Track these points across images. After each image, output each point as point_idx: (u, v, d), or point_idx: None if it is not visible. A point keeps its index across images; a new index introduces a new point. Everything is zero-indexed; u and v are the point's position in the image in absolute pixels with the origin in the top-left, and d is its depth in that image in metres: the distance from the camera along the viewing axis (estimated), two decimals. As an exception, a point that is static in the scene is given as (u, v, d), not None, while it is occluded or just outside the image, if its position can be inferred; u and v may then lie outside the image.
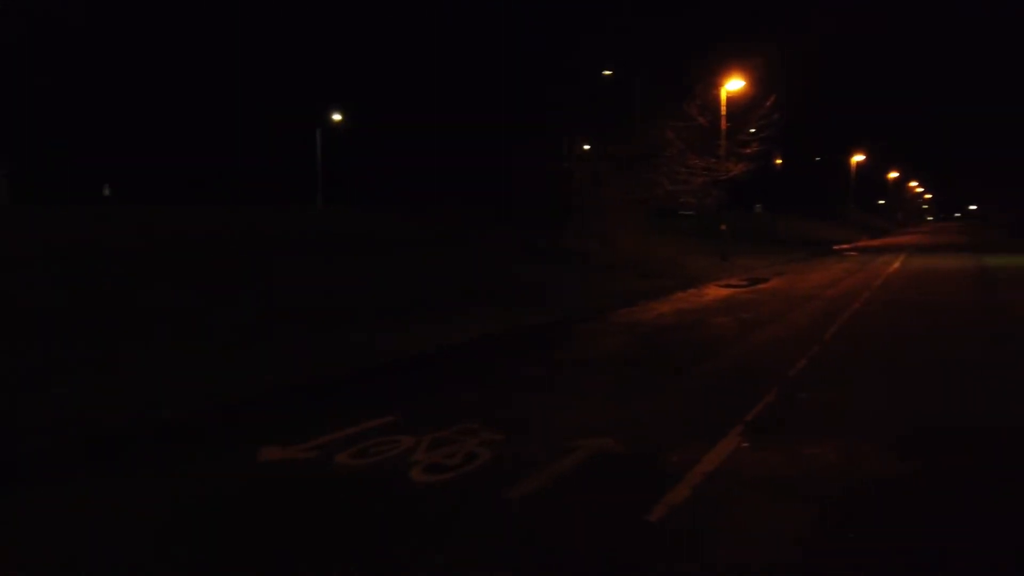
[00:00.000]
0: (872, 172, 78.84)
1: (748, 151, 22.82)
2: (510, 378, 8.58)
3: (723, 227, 25.01)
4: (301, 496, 4.87)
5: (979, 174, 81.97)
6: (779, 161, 39.28)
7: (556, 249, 20.32)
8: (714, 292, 17.57)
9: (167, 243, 15.00)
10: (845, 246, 42.48)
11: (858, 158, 56.88)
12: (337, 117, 40.15)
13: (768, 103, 22.31)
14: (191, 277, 12.07)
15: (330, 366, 8.39)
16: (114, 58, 30.28)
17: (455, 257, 17.52)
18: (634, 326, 12.29)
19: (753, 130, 23.25)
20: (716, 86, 23.37)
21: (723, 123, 23.55)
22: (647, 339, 11.00)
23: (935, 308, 13.53)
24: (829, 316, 12.57)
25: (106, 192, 33.82)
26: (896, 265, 24.40)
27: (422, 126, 30.49)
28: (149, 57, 33.47)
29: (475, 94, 23.11)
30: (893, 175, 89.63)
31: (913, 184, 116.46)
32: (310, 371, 8.08)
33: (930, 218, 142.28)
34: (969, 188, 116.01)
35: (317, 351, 8.94)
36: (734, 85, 23.54)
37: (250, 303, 10.99)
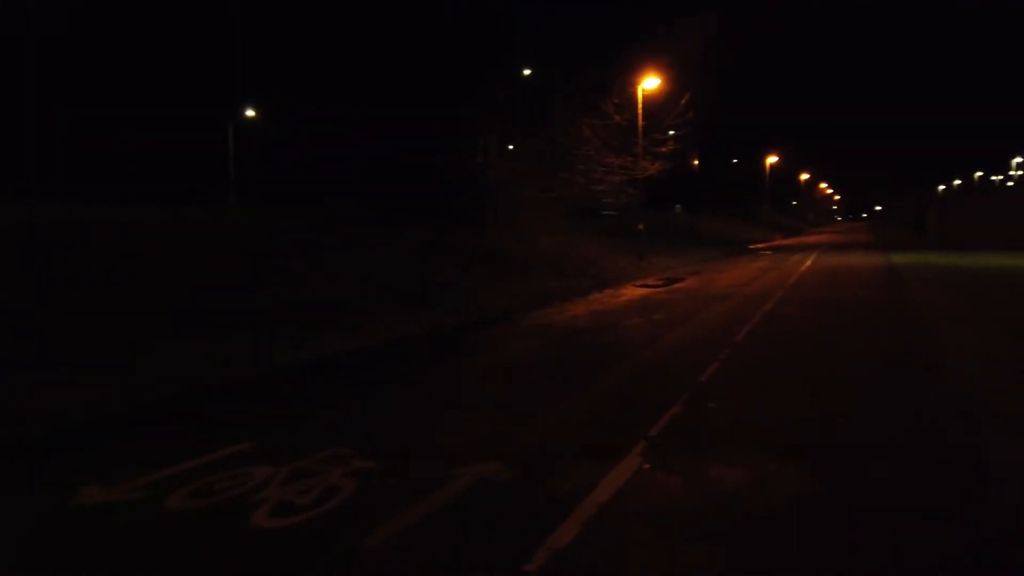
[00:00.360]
0: (785, 173, 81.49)
1: (664, 150, 22.68)
2: (402, 390, 7.81)
3: (640, 227, 24.83)
4: (110, 552, 3.97)
5: (882, 176, 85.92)
6: (696, 162, 39.67)
7: (472, 249, 19.58)
8: (630, 292, 17.21)
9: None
10: (761, 245, 43.42)
11: (772, 159, 58.48)
12: (250, 112, 38.22)
13: (683, 101, 22.19)
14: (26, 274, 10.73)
15: (193, 380, 7.38)
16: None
17: (363, 258, 16.55)
18: (546, 328, 11.69)
19: (672, 132, 23.12)
20: (632, 84, 23.15)
21: (640, 122, 23.34)
22: (557, 343, 10.40)
23: (846, 306, 13.47)
24: (742, 316, 12.28)
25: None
26: (808, 263, 24.76)
27: (335, 123, 29.24)
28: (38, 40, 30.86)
29: (389, 89, 22.14)
30: (805, 176, 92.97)
31: (823, 186, 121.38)
32: (162, 387, 7.03)
33: (839, 218, 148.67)
34: (874, 189, 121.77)
35: (187, 362, 7.90)
36: (650, 84, 23.37)
37: (127, 307, 9.79)
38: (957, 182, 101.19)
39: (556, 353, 9.73)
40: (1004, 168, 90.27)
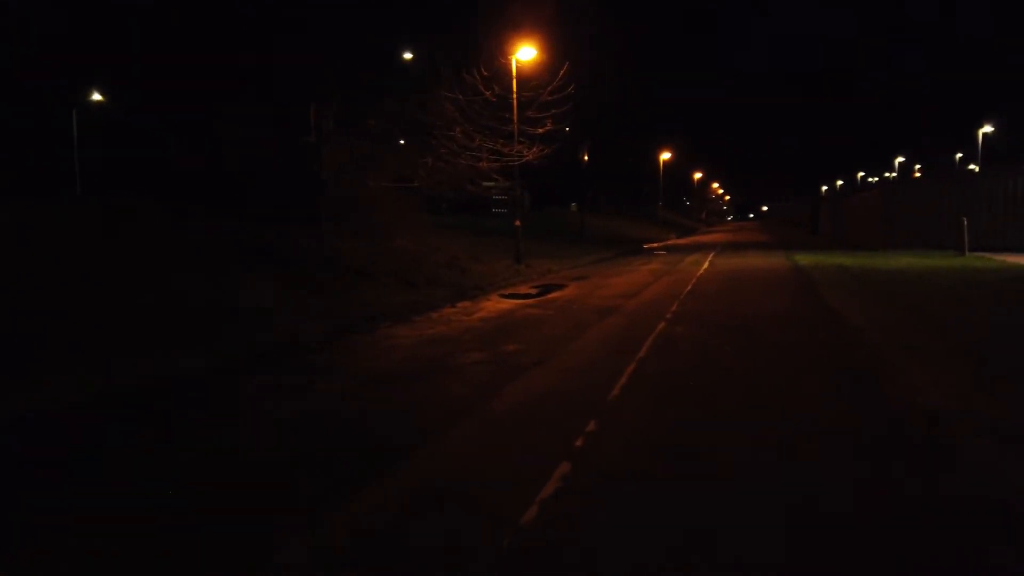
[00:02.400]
0: (678, 172, 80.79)
1: (541, 130, 19.10)
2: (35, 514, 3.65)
3: (517, 224, 21.21)
4: None
5: (770, 177, 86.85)
6: (586, 157, 36.69)
7: (296, 253, 15.29)
8: (492, 306, 13.44)
9: None
10: (655, 245, 41.02)
11: (665, 156, 56.73)
12: (97, 96, 32.92)
13: (562, 72, 18.67)
14: None
15: None
16: None
17: (121, 268, 11.97)
18: (330, 376, 7.68)
19: (550, 110, 19.54)
20: (504, 54, 19.46)
21: (515, 98, 19.69)
22: (328, 410, 6.41)
23: (760, 328, 10.16)
24: (625, 347, 8.70)
25: None
26: (706, 265, 21.86)
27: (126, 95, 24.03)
28: None
29: (193, 54, 17.42)
30: (698, 176, 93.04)
31: (715, 185, 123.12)
32: None
33: (730, 218, 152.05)
34: (762, 190, 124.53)
35: None
36: (525, 54, 19.75)
37: None
38: (840, 183, 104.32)
39: (316, 435, 5.75)
40: (888, 167, 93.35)
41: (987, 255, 22.39)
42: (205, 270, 12.29)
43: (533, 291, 16.13)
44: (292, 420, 6.03)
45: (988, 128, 50.02)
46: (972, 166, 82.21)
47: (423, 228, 24.10)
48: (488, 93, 19.04)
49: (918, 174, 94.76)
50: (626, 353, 8.18)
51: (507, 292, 15.90)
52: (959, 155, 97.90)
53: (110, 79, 30.84)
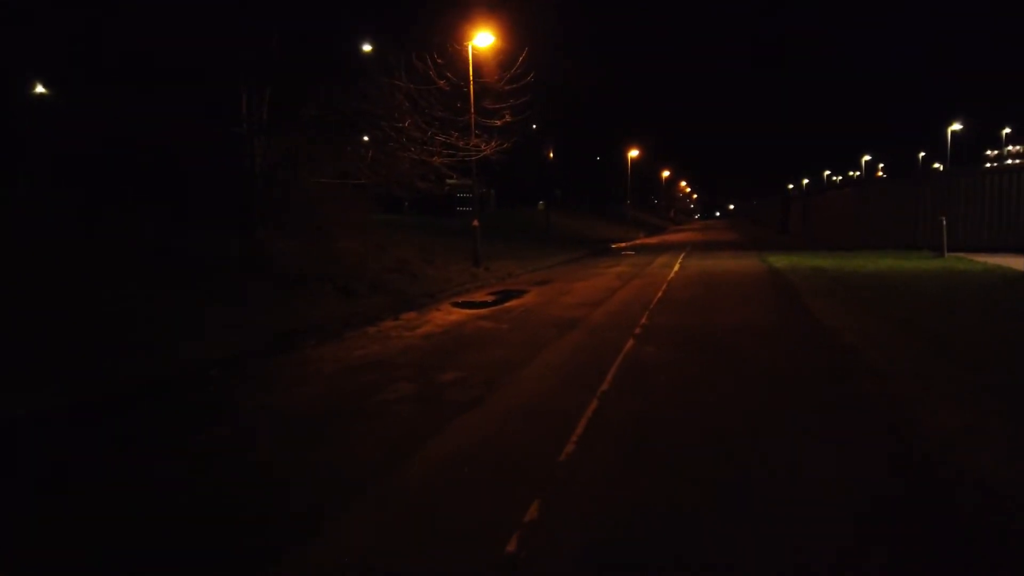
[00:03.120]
0: (646, 170, 79.96)
1: (499, 123, 17.60)
2: None
3: (475, 224, 19.70)
4: None
5: (736, 176, 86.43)
6: (551, 154, 35.31)
7: (223, 259, 13.62)
8: (441, 318, 11.93)
9: None
10: (623, 244, 39.82)
11: (633, 153, 55.62)
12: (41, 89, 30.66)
13: (521, 58, 17.17)
14: None
15: None
16: None
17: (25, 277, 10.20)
18: (212, 422, 6.10)
19: (511, 103, 18.05)
20: (459, 40, 17.93)
21: (471, 88, 18.18)
22: (177, 482, 4.85)
23: (741, 346, 8.80)
24: (584, 378, 7.26)
25: None
26: (677, 268, 20.58)
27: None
28: None
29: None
30: (666, 174, 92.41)
31: (683, 184, 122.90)
32: None
33: (697, 216, 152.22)
34: (728, 188, 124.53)
35: None
36: (483, 40, 18.25)
37: None
38: (806, 181, 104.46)
39: (126, 529, 4.19)
40: (854, 166, 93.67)
41: (965, 256, 21.48)
42: (105, 280, 10.58)
43: (489, 298, 14.65)
44: (123, 496, 4.46)
45: (957, 126, 49.77)
46: (936, 164, 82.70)
47: (373, 229, 22.48)
48: (442, 82, 17.47)
49: (881, 173, 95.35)
50: (586, 387, 6.72)
51: (460, 300, 14.40)
52: (922, 154, 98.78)
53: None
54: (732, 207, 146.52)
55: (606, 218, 58.79)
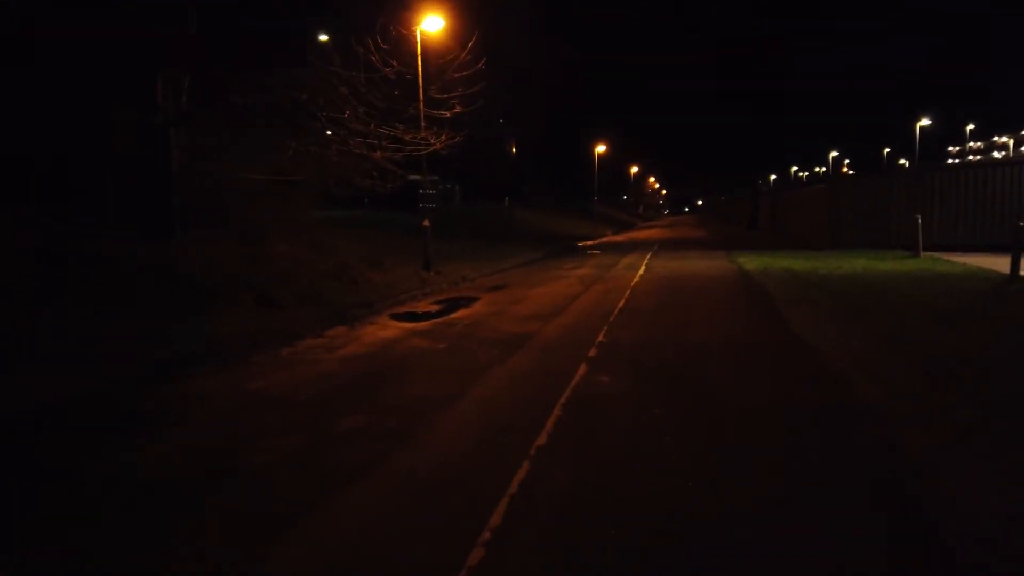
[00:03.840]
0: (615, 166, 79.00)
1: (449, 114, 16.12)
2: None
3: (425, 224, 18.23)
4: None
5: (703, 171, 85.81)
6: (514, 148, 33.93)
7: (131, 265, 11.98)
8: (372, 334, 10.47)
9: None
10: (590, 243, 38.61)
11: (600, 148, 54.44)
12: None
13: (470, 43, 15.68)
14: None
15: None
16: None
17: None
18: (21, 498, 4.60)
19: (460, 92, 16.59)
20: (405, 24, 16.42)
21: (420, 76, 16.68)
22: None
23: (713, 377, 7.50)
24: (519, 421, 5.88)
25: None
26: (643, 270, 19.32)
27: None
28: None
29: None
30: (634, 170, 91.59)
31: (652, 180, 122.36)
32: None
33: (666, 212, 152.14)
34: (696, 184, 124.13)
35: None
36: (432, 25, 16.76)
37: None
38: (773, 177, 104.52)
39: None
40: (821, 162, 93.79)
41: (940, 255, 20.59)
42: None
43: (435, 308, 13.21)
44: None
45: (926, 121, 49.40)
46: (902, 161, 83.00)
47: (319, 229, 20.90)
48: (388, 70, 15.94)
49: (847, 169, 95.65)
50: (517, 441, 5.33)
51: (402, 311, 12.93)
52: (887, 150, 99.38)
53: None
54: (700, 203, 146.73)
55: (574, 215, 57.60)
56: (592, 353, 8.44)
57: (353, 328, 11.05)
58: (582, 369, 7.60)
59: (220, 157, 14.59)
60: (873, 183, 25.75)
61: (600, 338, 9.37)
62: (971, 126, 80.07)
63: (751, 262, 19.78)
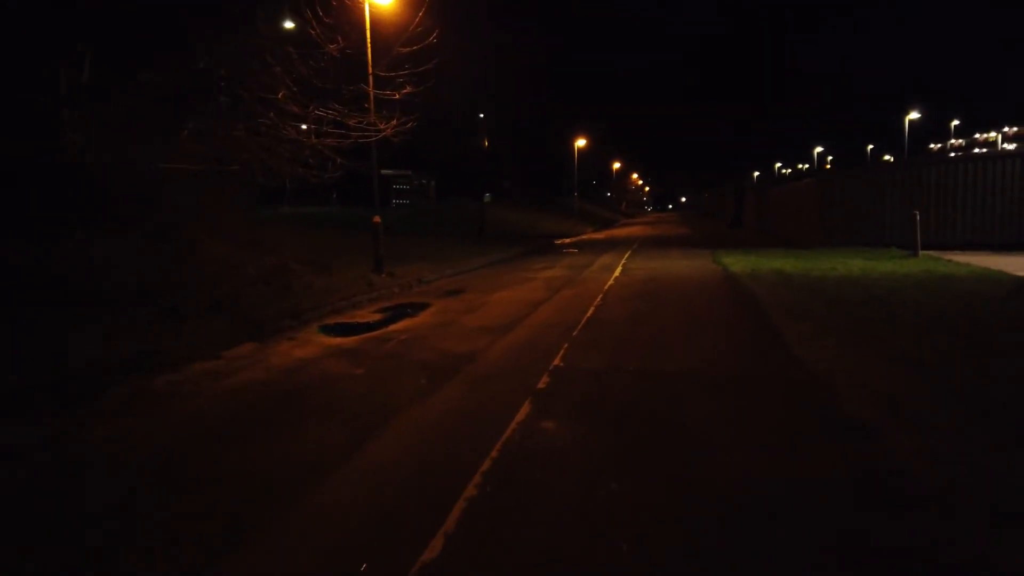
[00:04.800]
0: (597, 162, 77.34)
1: (398, 95, 14.23)
2: None
3: (376, 221, 16.36)
4: None
5: (687, 167, 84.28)
6: (486, 142, 32.08)
7: (7, 271, 10.05)
8: (282, 355, 8.61)
9: None
10: (567, 241, 36.86)
11: (580, 143, 52.66)
12: None
13: (419, 16, 13.78)
14: None
15: None
16: None
17: None
18: None
19: (408, 69, 14.71)
20: (352, -4, 14.52)
21: (369, 53, 14.82)
22: None
23: (690, 423, 5.74)
24: (410, 516, 4.08)
25: None
26: (618, 272, 17.58)
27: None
28: None
29: None
30: (617, 165, 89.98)
31: (635, 176, 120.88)
32: None
33: (649, 208, 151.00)
34: (679, 180, 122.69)
35: None
36: (381, -4, 14.87)
37: None
38: (756, 173, 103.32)
39: None
40: (804, 159, 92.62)
41: (939, 255, 19.05)
42: None
43: (375, 317, 11.38)
44: None
45: (915, 115, 48.04)
46: (888, 157, 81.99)
47: (265, 226, 19.02)
48: (332, 47, 14.04)
49: (829, 166, 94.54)
50: (399, 549, 3.53)
51: (335, 321, 11.08)
52: (871, 146, 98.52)
53: None
54: (684, 199, 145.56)
55: (553, 212, 55.84)
56: (542, 384, 6.66)
57: (265, 345, 9.20)
58: (524, 410, 5.80)
59: (130, 143, 12.64)
60: (866, 177, 24.17)
61: (556, 362, 7.58)
62: (956, 122, 79.18)
63: (737, 263, 18.08)
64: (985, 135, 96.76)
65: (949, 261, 17.37)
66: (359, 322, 11.01)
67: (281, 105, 13.42)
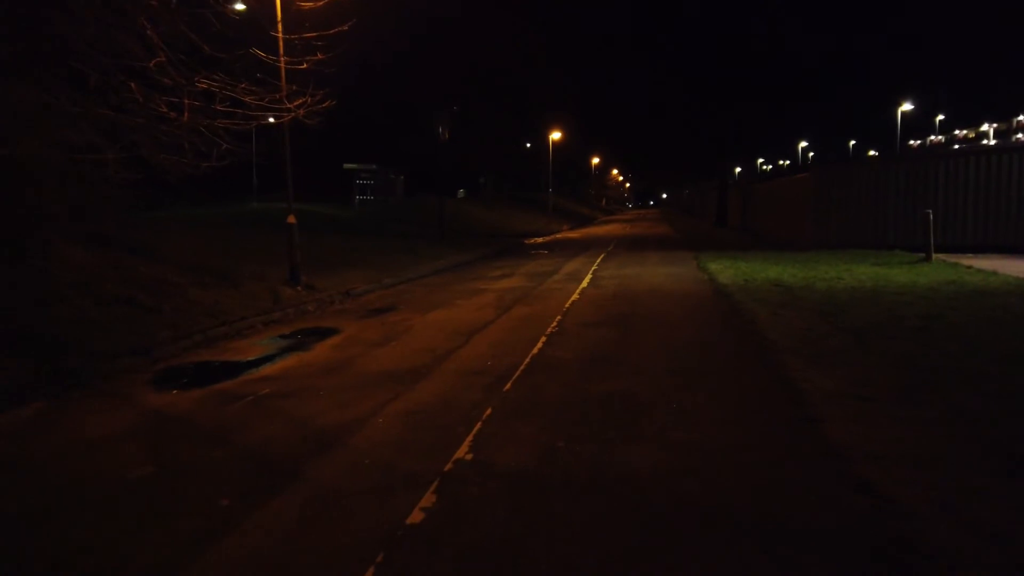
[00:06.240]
0: (576, 157, 74.70)
1: (304, 66, 11.36)
2: None
3: (291, 221, 13.49)
4: None
5: (668, 163, 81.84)
6: (448, 134, 29.22)
7: None
8: (70, 422, 5.75)
9: None
10: (539, 240, 34.15)
11: (555, 136, 49.89)
12: None
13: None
14: None
15: None
16: None
17: None
18: None
19: (316, 34, 11.80)
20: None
21: (279, 12, 11.97)
22: None
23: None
24: None
25: None
26: (586, 282, 14.86)
27: None
28: None
29: None
30: (596, 161, 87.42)
31: (615, 172, 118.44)
32: None
33: (630, 205, 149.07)
34: (660, 175, 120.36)
35: None
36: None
37: None
38: (738, 169, 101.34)
39: None
40: (785, 155, 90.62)
41: (951, 258, 16.58)
42: None
43: (254, 353, 8.53)
44: None
45: (908, 106, 45.85)
46: (872, 152, 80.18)
47: (163, 228, 16.09)
48: (228, 7, 11.12)
49: (811, 162, 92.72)
50: None
51: (197, 359, 8.21)
52: (852, 142, 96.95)
53: None
54: (665, 196, 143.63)
55: (528, 209, 53.11)
56: (428, 501, 3.88)
57: (62, 404, 6.32)
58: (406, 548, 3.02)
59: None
60: (866, 172, 21.65)
61: (460, 453, 4.80)
62: (941, 116, 77.55)
63: (725, 270, 15.40)
64: (965, 131, 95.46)
65: (969, 268, 14.87)
66: (227, 360, 8.16)
67: (152, 75, 10.50)
